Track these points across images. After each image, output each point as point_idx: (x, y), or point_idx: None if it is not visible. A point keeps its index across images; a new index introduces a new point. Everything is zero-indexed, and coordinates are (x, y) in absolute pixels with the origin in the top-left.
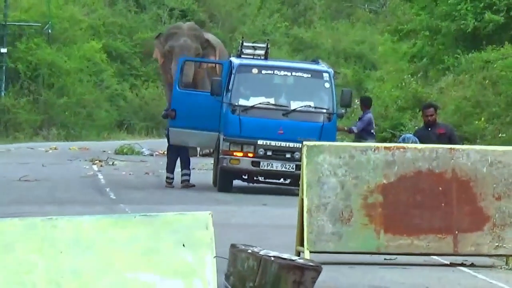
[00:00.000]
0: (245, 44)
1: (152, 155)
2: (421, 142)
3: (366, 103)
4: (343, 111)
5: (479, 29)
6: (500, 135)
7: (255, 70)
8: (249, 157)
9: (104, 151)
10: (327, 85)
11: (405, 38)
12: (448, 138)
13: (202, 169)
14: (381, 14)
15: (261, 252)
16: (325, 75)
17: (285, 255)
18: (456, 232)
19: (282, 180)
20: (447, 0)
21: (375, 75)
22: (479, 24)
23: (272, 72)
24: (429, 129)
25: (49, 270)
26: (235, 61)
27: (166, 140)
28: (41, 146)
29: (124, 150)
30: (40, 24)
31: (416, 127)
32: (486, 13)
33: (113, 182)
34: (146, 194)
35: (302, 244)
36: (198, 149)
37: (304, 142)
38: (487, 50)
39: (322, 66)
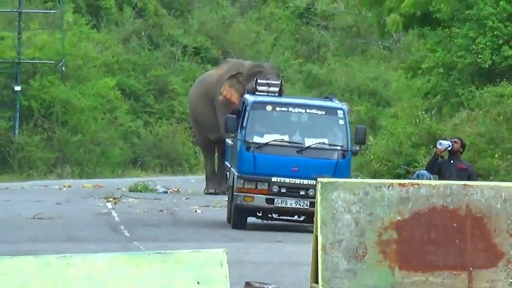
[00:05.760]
0: (259, 81)
1: (166, 192)
2: (441, 172)
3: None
4: (357, 148)
5: (495, 65)
6: None
7: (269, 107)
8: (263, 194)
9: (118, 189)
10: (341, 122)
11: (420, 74)
12: (468, 175)
13: (217, 206)
14: (394, 51)
15: None
16: (339, 112)
17: None
18: (471, 268)
19: (296, 217)
20: (464, 34)
21: (389, 112)
22: (497, 58)
23: (286, 109)
24: (451, 161)
25: None
26: (249, 98)
27: (179, 177)
28: (55, 183)
29: (138, 188)
30: (53, 62)
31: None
32: (503, 48)
33: (127, 219)
34: (160, 231)
35: (316, 281)
36: (204, 187)
37: (318, 179)
38: (502, 85)
39: (336, 103)
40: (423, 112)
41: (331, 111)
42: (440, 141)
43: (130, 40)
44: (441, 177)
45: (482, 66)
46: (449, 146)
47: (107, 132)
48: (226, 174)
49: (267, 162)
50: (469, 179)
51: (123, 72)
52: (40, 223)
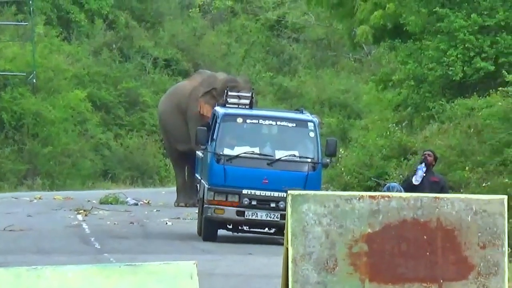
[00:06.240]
0: (229, 93)
1: (136, 204)
2: (413, 185)
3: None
4: (328, 160)
5: (466, 77)
6: (484, 184)
7: (239, 120)
8: (234, 206)
9: (89, 201)
10: (311, 134)
11: (390, 87)
12: (440, 188)
13: (187, 218)
14: (365, 63)
15: None
16: (310, 124)
17: None
18: (441, 281)
19: (267, 229)
20: (435, 46)
21: (359, 124)
22: (468, 70)
23: (257, 121)
24: (424, 174)
25: None
26: (220, 110)
27: (149, 189)
28: (26, 195)
29: (109, 200)
30: (24, 74)
31: (401, 176)
32: (475, 60)
33: (98, 231)
34: (131, 243)
35: None
36: (175, 199)
37: (289, 191)
38: (472, 98)
39: (306, 115)
40: (394, 125)
41: (302, 123)
42: (416, 178)
43: (101, 52)
44: (414, 190)
45: (453, 78)
46: (423, 172)
47: (77, 144)
48: (197, 186)
49: (237, 175)
50: (441, 191)
51: (94, 84)
52: (11, 235)
